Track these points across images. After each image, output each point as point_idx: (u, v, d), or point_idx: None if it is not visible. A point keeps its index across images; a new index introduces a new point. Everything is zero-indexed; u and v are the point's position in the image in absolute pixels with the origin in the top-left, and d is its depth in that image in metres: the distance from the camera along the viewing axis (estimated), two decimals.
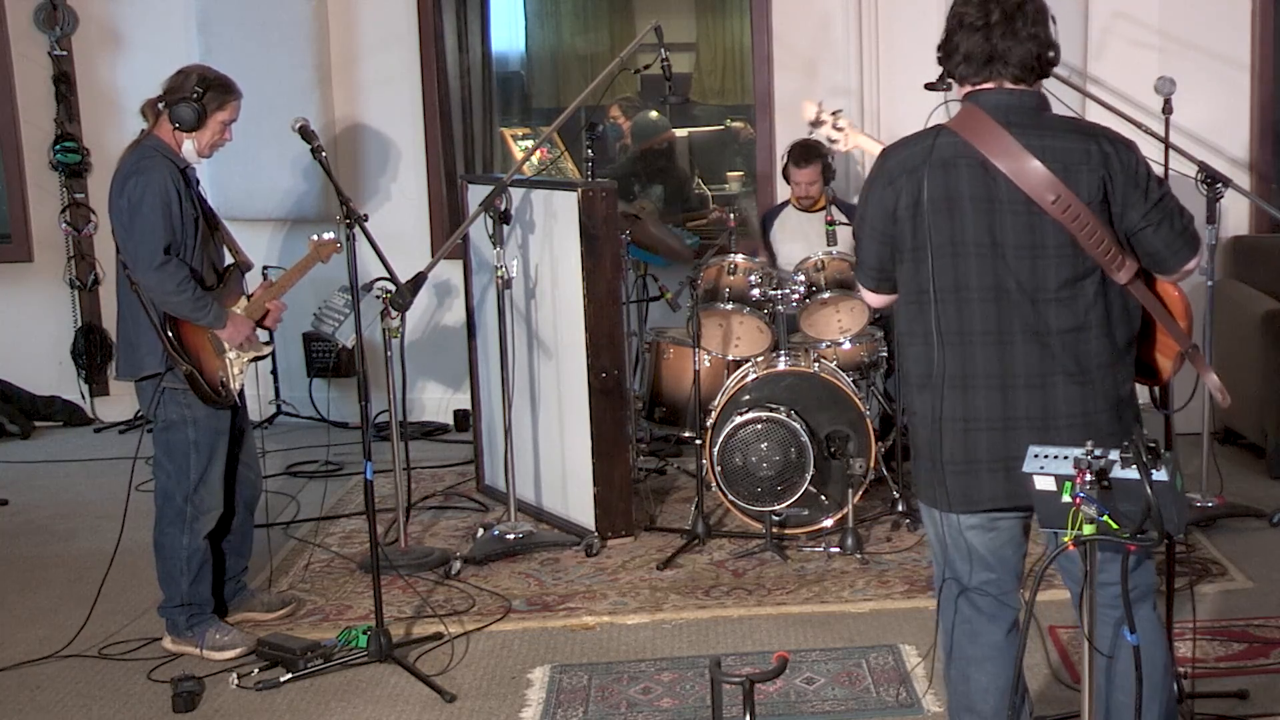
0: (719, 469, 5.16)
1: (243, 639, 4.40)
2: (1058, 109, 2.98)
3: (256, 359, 4.50)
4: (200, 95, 4.24)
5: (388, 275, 4.55)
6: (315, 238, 4.59)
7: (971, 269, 2.88)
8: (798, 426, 5.09)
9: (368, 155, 7.06)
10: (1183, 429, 4.97)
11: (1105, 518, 2.50)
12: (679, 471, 6.13)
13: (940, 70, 3.04)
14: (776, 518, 5.16)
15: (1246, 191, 5.54)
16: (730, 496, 5.18)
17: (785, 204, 6.28)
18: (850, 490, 5.06)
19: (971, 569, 3.04)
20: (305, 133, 4.28)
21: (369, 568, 4.39)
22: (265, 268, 6.18)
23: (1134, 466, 2.47)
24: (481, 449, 5.94)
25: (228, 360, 4.36)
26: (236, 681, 4.17)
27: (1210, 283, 5.27)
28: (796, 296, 5.39)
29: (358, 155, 7.06)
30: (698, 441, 5.27)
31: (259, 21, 6.69)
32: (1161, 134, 5.12)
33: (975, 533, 3.00)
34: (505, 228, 5.13)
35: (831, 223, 5.56)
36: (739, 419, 5.13)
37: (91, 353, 7.28)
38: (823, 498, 5.21)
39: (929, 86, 4.09)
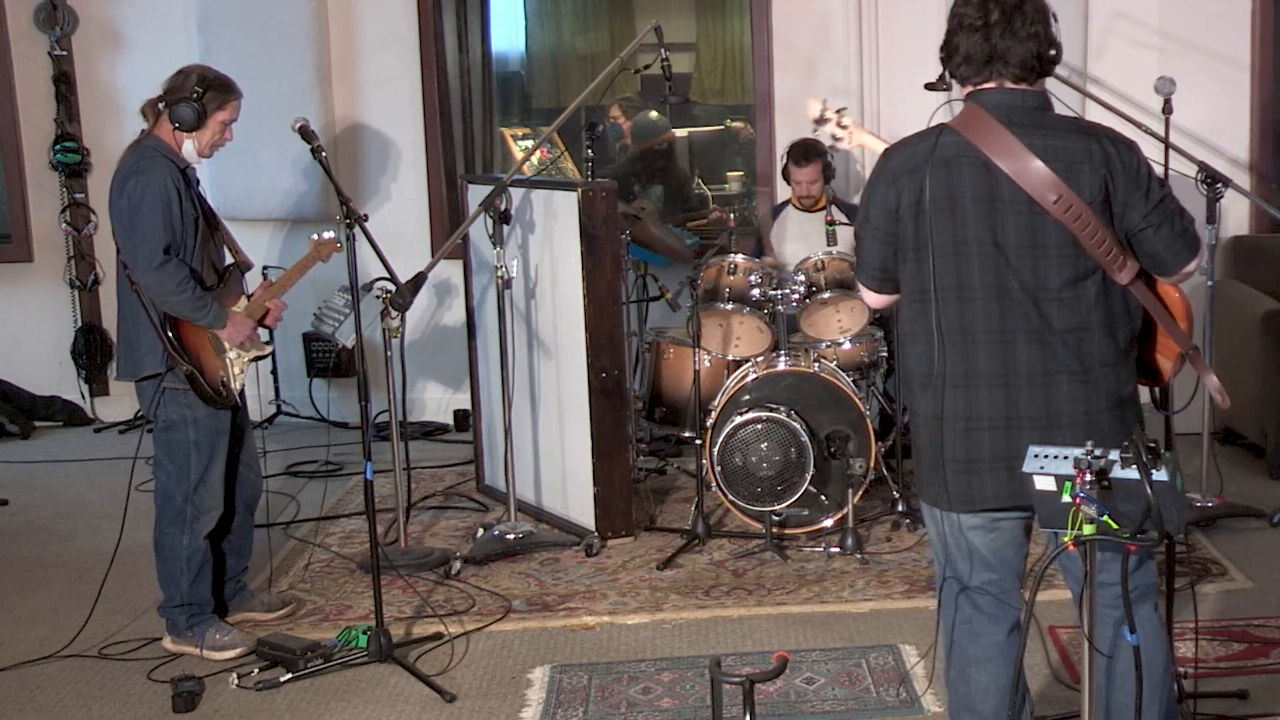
0: (719, 469, 5.16)
1: (243, 639, 4.40)
2: (1058, 109, 2.98)
3: (257, 359, 4.50)
4: (200, 95, 4.24)
5: (388, 275, 4.55)
6: (315, 237, 4.59)
7: (974, 268, 2.88)
8: (798, 426, 5.09)
9: (368, 155, 7.06)
10: (1183, 429, 4.97)
11: (1105, 518, 2.50)
12: (679, 471, 6.13)
13: (940, 70, 3.04)
14: (776, 518, 5.16)
15: (1246, 191, 5.54)
16: (730, 496, 5.18)
17: (785, 204, 6.28)
18: (850, 490, 5.06)
19: (972, 569, 3.04)
20: (305, 133, 4.28)
21: (369, 568, 4.39)
22: (265, 268, 6.18)
23: (1134, 466, 2.47)
24: (481, 449, 5.94)
25: (228, 360, 4.36)
26: (236, 681, 4.17)
27: (1210, 283, 5.27)
28: (796, 296, 5.39)
29: (358, 155, 7.06)
30: (698, 441, 5.27)
31: (259, 21, 6.69)
32: (1161, 134, 5.12)
33: (977, 533, 3.00)
34: (505, 228, 5.13)
35: (832, 223, 5.56)
36: (739, 419, 5.13)
37: (91, 353, 7.28)
38: (823, 498, 5.21)
39: (929, 86, 4.10)
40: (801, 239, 6.09)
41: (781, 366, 5.24)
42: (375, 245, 4.38)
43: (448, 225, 6.97)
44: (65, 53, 7.07)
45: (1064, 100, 3.10)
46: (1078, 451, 2.53)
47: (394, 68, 6.96)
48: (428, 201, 7.06)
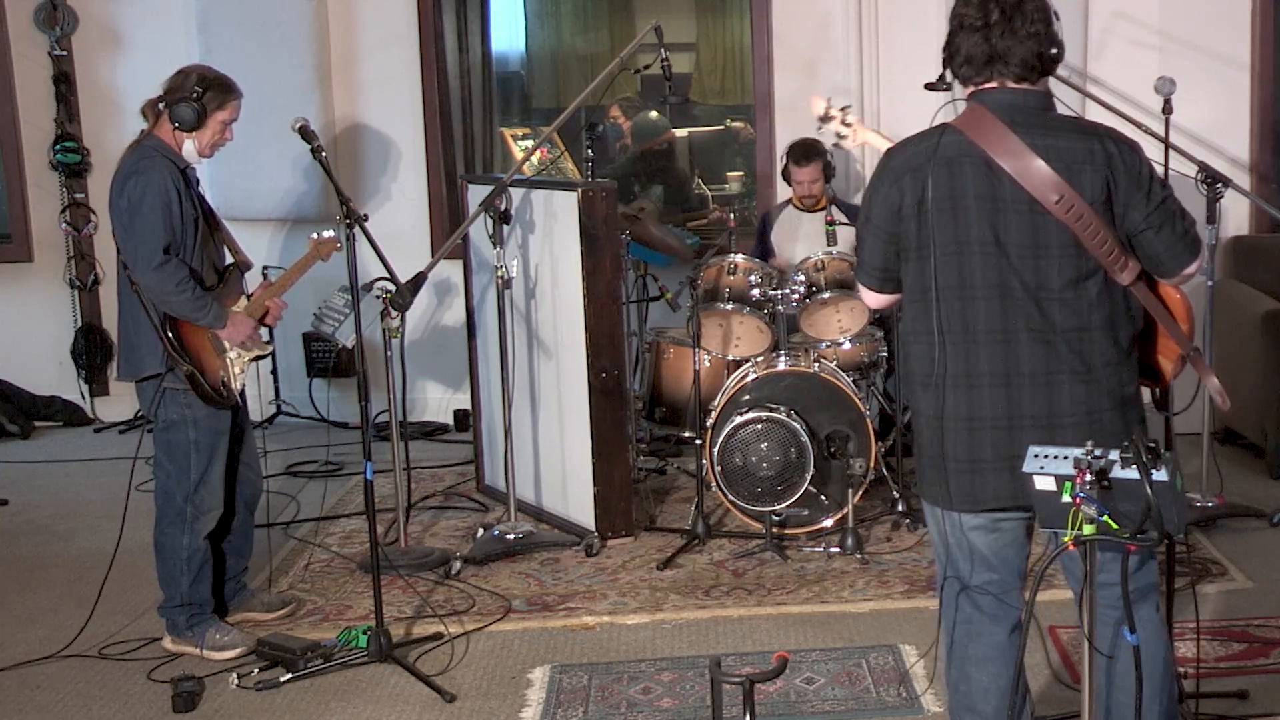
0: (719, 469, 5.16)
1: (243, 639, 4.40)
2: (1058, 109, 2.98)
3: (258, 358, 4.50)
4: (200, 95, 4.24)
5: (388, 275, 4.55)
6: (315, 236, 4.59)
7: (976, 267, 2.88)
8: (798, 426, 5.09)
9: (368, 155, 7.06)
10: (1183, 429, 4.96)
11: (1105, 518, 2.50)
12: (679, 471, 6.13)
13: (940, 70, 3.04)
14: (776, 518, 5.16)
15: (1246, 191, 5.54)
16: (730, 496, 5.18)
17: (785, 204, 6.28)
18: (850, 490, 5.06)
19: (973, 568, 3.03)
20: (305, 133, 4.28)
21: (369, 568, 4.39)
22: (265, 268, 6.18)
23: (1134, 466, 2.47)
24: (481, 449, 5.94)
25: (229, 360, 4.36)
26: (236, 681, 4.17)
27: (1210, 283, 5.27)
28: (796, 296, 5.40)
29: (358, 155, 7.06)
30: (698, 441, 5.27)
31: (259, 21, 6.69)
32: (1161, 134, 5.12)
33: (978, 533, 3.00)
34: (505, 228, 5.13)
35: (832, 223, 5.56)
36: (739, 419, 5.13)
37: (91, 353, 7.28)
38: (823, 498, 5.21)
39: (929, 86, 4.09)
40: (801, 239, 6.09)
41: (781, 366, 5.24)
42: (375, 245, 4.38)
43: (448, 225, 6.97)
44: (65, 53, 7.07)
45: (1064, 100, 3.10)
46: (1078, 451, 2.53)
47: (394, 68, 6.96)
48: (428, 201, 7.06)
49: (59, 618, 4.71)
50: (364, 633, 4.28)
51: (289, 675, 4.16)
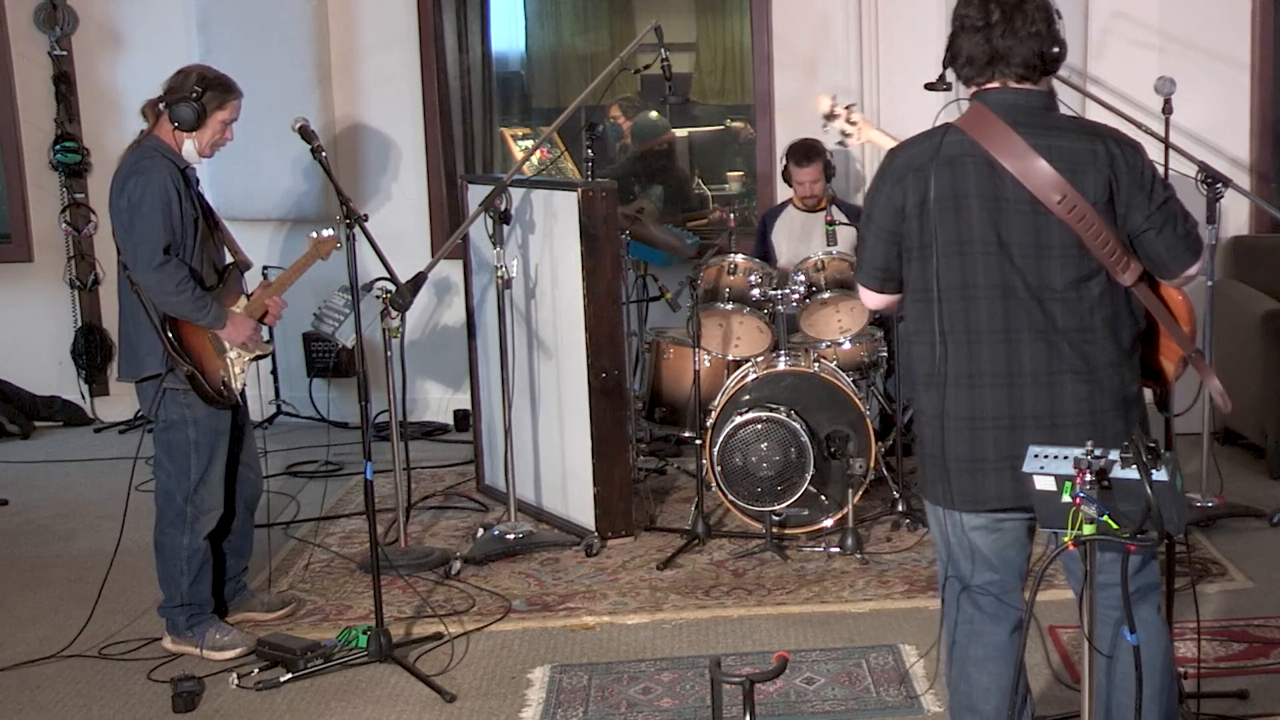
0: (719, 469, 5.16)
1: (243, 639, 4.40)
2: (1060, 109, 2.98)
3: (258, 358, 4.50)
4: (200, 95, 4.24)
5: (388, 275, 4.55)
6: (314, 235, 4.58)
7: (978, 267, 2.88)
8: (798, 426, 5.09)
9: (368, 155, 7.06)
10: (1183, 429, 4.96)
11: (1105, 518, 2.50)
12: (679, 471, 6.13)
13: (940, 70, 3.04)
14: (776, 518, 5.16)
15: (1246, 191, 5.54)
16: (730, 496, 5.18)
17: (786, 204, 6.28)
18: (850, 490, 5.06)
19: (974, 568, 3.03)
20: (305, 133, 4.28)
21: (369, 568, 4.39)
22: (265, 268, 6.18)
23: (1134, 466, 2.47)
24: (481, 449, 5.94)
25: (229, 360, 4.36)
26: (236, 681, 4.17)
27: (1210, 283, 5.27)
28: (796, 296, 5.40)
29: (358, 155, 7.06)
30: (698, 441, 5.27)
31: (259, 21, 6.69)
32: (1161, 134, 5.12)
33: (979, 533, 3.00)
34: (505, 228, 5.13)
35: (832, 223, 5.56)
36: (739, 419, 5.13)
37: (91, 353, 7.28)
38: (823, 498, 5.21)
39: (929, 86, 4.10)
40: (801, 239, 6.09)
41: (781, 366, 5.24)
42: (375, 245, 4.38)
43: (448, 225, 6.97)
44: (65, 53, 7.07)
45: (1064, 100, 3.10)
46: (1077, 451, 2.53)
47: (394, 68, 6.97)
48: (428, 201, 7.06)
49: (59, 618, 4.71)
50: (364, 633, 4.28)
51: (289, 675, 4.16)
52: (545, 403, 5.43)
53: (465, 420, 6.65)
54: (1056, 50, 2.91)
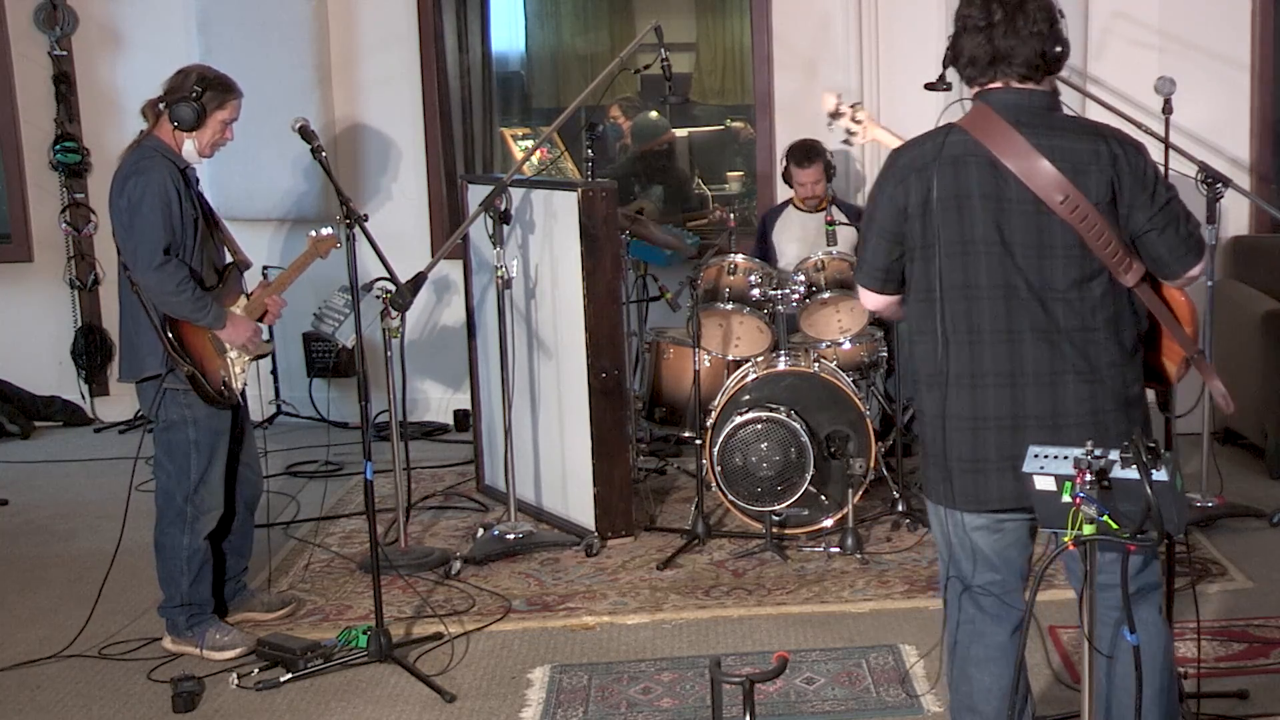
0: (719, 469, 5.15)
1: (243, 639, 4.40)
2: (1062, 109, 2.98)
3: (258, 358, 4.50)
4: (200, 94, 4.24)
5: (388, 275, 4.55)
6: (314, 233, 4.58)
7: (981, 267, 2.88)
8: (798, 426, 5.09)
9: (368, 155, 7.06)
10: (1183, 429, 4.96)
11: (1105, 518, 2.50)
12: (679, 471, 6.13)
13: (940, 70, 3.05)
14: (776, 518, 5.16)
15: (1246, 191, 5.54)
16: (730, 496, 5.18)
17: (786, 204, 6.27)
18: (850, 490, 5.06)
19: (975, 569, 3.03)
20: (305, 133, 4.28)
21: (369, 568, 4.39)
22: (265, 268, 6.18)
23: (1134, 466, 2.47)
24: (481, 449, 5.94)
25: (229, 360, 4.36)
26: (236, 681, 4.17)
27: (1210, 283, 5.27)
28: (796, 296, 5.40)
29: (358, 155, 7.06)
30: (698, 441, 5.27)
31: (259, 21, 6.69)
32: (1161, 134, 5.12)
33: (981, 533, 2.99)
34: (505, 228, 5.13)
35: (832, 223, 5.56)
36: (739, 419, 5.13)
37: (91, 353, 7.28)
38: (823, 498, 5.21)
39: (929, 86, 4.11)
40: (801, 239, 6.09)
41: (781, 366, 5.24)
42: (375, 245, 4.38)
43: (448, 225, 6.97)
44: (65, 53, 7.07)
45: (1064, 100, 3.10)
46: (1077, 451, 2.52)
47: (394, 68, 6.97)
48: (428, 201, 7.06)
49: (59, 618, 4.71)
50: (364, 633, 4.28)
51: (289, 675, 4.16)
52: (545, 403, 5.43)
53: (465, 420, 6.65)
54: (1059, 50, 2.91)
